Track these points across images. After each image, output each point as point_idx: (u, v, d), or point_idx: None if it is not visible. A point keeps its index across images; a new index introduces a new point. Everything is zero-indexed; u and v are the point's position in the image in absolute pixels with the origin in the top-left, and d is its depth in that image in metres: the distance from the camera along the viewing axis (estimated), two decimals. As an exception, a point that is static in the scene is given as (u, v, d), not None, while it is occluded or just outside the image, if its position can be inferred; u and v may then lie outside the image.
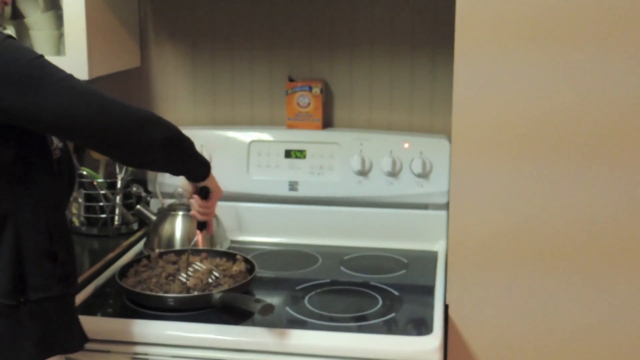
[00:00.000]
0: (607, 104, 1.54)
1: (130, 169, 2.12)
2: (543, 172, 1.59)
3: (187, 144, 1.48)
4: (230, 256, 1.84)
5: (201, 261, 1.77)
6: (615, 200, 1.58)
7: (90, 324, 1.49)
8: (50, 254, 1.37)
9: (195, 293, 1.63)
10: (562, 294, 1.64)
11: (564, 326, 1.65)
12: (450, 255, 1.67)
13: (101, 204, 2.08)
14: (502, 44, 1.55)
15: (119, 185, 2.11)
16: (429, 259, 1.95)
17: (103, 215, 2.09)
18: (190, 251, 1.76)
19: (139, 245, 2.04)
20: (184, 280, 1.67)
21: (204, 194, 1.61)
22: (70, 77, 1.29)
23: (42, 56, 1.29)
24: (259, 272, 1.76)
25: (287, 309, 1.66)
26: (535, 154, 1.59)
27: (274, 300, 1.66)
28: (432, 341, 1.51)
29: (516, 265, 1.64)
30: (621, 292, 1.62)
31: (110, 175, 2.13)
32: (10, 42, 1.28)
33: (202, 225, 1.69)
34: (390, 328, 1.58)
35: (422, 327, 1.57)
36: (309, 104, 2.10)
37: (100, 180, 2.10)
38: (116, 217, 2.09)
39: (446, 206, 1.94)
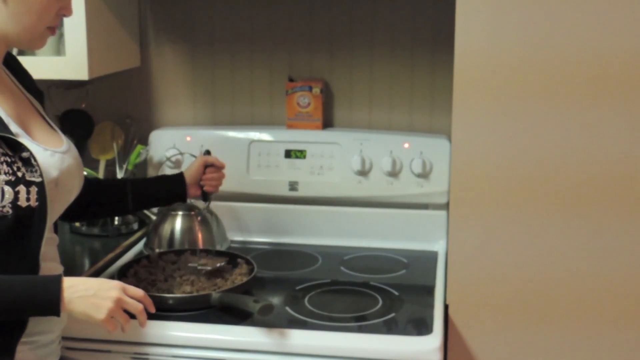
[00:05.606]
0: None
1: (130, 168, 2.12)
2: (546, 168, 1.60)
3: None
4: (230, 256, 1.84)
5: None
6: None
7: (91, 323, 1.49)
8: None
9: (195, 293, 1.63)
10: (563, 294, 1.64)
11: (565, 326, 1.65)
12: (450, 255, 1.67)
13: (101, 204, 2.08)
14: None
15: (119, 185, 2.10)
16: (429, 259, 1.95)
17: (103, 215, 2.09)
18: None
19: (139, 245, 2.03)
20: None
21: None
22: None
23: None
24: (259, 272, 1.76)
25: (287, 309, 1.66)
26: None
27: (274, 300, 1.66)
28: (432, 341, 1.51)
29: (516, 265, 1.64)
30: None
31: (110, 175, 2.13)
32: None
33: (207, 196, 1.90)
34: (390, 328, 1.58)
35: (422, 327, 1.57)
36: (309, 104, 2.10)
37: (100, 180, 2.10)
38: (116, 217, 2.09)
39: (446, 206, 1.94)
